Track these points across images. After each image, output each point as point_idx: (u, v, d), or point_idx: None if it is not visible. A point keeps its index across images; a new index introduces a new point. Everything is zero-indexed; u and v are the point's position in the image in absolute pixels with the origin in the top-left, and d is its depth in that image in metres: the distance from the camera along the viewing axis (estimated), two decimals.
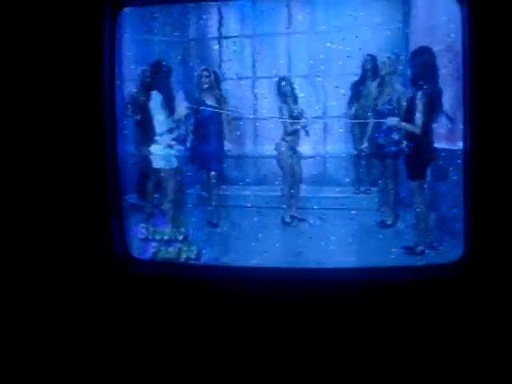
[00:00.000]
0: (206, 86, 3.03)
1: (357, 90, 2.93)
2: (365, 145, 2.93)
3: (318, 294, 2.75)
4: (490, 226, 2.57)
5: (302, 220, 2.94)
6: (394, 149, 2.90)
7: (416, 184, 2.85)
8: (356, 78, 2.91)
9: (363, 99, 2.94)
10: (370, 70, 2.89)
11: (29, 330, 2.95)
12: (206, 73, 3.03)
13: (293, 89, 2.97)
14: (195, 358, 2.86)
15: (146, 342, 2.90)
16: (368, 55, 2.85)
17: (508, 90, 2.54)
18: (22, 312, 2.95)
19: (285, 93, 2.98)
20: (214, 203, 3.09)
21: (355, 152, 2.95)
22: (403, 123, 2.87)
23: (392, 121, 2.88)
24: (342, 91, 2.92)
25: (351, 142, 2.94)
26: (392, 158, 2.92)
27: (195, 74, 3.04)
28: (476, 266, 2.61)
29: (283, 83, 2.98)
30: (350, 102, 2.94)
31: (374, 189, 2.98)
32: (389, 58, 2.86)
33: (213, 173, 3.14)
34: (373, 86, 2.95)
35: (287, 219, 2.96)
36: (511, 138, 2.54)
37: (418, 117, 2.82)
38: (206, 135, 3.09)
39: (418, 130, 2.83)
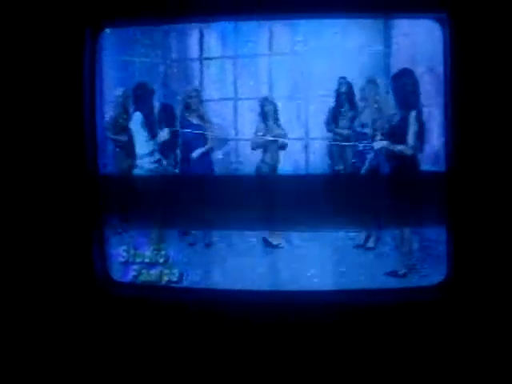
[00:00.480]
0: (194, 106, 3.02)
1: (333, 114, 2.92)
2: (340, 167, 2.92)
3: (300, 316, 2.75)
4: (472, 248, 2.59)
5: (281, 245, 2.92)
6: (373, 171, 2.89)
7: (398, 206, 2.85)
8: (332, 101, 2.89)
9: (340, 122, 2.93)
10: (345, 93, 2.88)
11: (8, 352, 2.93)
12: (194, 93, 3.02)
13: (274, 110, 2.95)
14: (177, 381, 2.85)
15: (127, 364, 2.88)
16: (341, 78, 2.84)
17: (490, 111, 2.56)
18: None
19: (266, 113, 2.97)
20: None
21: (334, 173, 2.93)
22: (392, 146, 2.86)
23: (379, 144, 2.87)
24: (321, 114, 2.92)
25: (329, 164, 2.93)
26: (371, 180, 2.91)
27: (181, 94, 3.01)
28: (459, 288, 2.62)
29: (265, 104, 2.96)
30: (328, 125, 2.93)
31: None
32: (368, 81, 2.86)
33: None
34: (349, 109, 2.94)
35: (270, 241, 2.95)
36: (492, 160, 2.56)
37: (411, 137, 2.81)
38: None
39: (409, 152, 2.82)
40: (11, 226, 2.90)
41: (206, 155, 3.05)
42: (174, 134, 3.02)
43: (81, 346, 2.91)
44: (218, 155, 3.03)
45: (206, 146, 3.04)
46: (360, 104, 2.91)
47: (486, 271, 2.58)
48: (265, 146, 2.98)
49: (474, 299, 2.60)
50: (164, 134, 3.00)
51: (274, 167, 2.96)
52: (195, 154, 3.04)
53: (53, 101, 2.83)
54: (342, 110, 2.91)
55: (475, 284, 2.59)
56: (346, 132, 2.92)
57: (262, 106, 2.97)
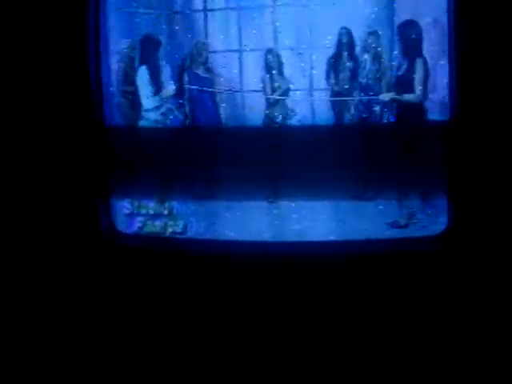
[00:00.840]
0: (200, 59, 3.00)
1: (333, 64, 2.89)
2: (346, 118, 2.89)
3: (303, 267, 2.75)
4: (472, 198, 2.57)
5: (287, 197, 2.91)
6: (378, 123, 2.86)
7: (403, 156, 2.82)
8: (333, 51, 2.86)
9: (341, 73, 2.90)
10: (346, 43, 2.84)
11: (14, 307, 2.98)
12: (201, 45, 3.00)
13: (279, 61, 2.93)
14: (181, 332, 2.87)
15: (132, 314, 2.92)
16: (343, 28, 2.80)
17: (494, 60, 2.52)
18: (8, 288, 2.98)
19: (271, 65, 2.95)
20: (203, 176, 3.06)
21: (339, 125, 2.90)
22: (399, 96, 2.82)
23: (387, 95, 2.84)
24: (324, 64, 2.89)
25: (333, 117, 2.90)
26: (374, 132, 2.88)
27: (187, 47, 2.99)
28: (459, 239, 2.60)
29: (269, 56, 2.94)
30: (328, 77, 2.90)
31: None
32: (372, 31, 2.82)
33: None
34: (350, 59, 2.90)
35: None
36: (495, 109, 2.52)
37: (417, 86, 2.77)
38: (200, 108, 3.06)
39: (416, 100, 2.78)
40: (16, 177, 2.93)
41: (214, 108, 3.04)
42: (181, 88, 3.01)
43: (86, 296, 2.95)
44: (225, 107, 3.01)
45: (213, 99, 3.03)
46: (364, 55, 2.87)
47: (487, 221, 2.56)
48: (270, 98, 2.96)
49: (473, 249, 2.57)
50: (171, 88, 2.99)
51: (280, 119, 2.94)
52: (202, 106, 3.03)
53: (57, 51, 2.83)
54: (344, 61, 2.88)
55: (475, 234, 2.56)
56: (348, 84, 2.88)
57: (267, 58, 2.95)
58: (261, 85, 2.97)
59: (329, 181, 2.82)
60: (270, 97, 2.95)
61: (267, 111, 2.96)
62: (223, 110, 3.01)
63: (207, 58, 2.98)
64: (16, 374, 2.79)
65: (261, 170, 2.91)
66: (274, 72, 2.94)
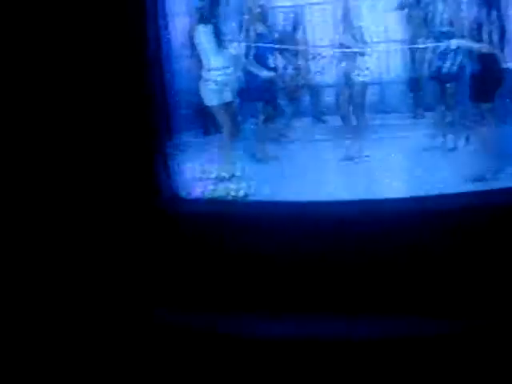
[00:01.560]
0: (259, 16, 2.90)
1: (410, 13, 2.76)
2: (421, 71, 2.76)
3: (380, 226, 2.56)
4: None
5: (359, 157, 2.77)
6: (454, 71, 2.71)
7: (482, 106, 2.65)
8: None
9: (417, 21, 2.76)
10: None
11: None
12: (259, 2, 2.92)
13: (347, 14, 2.81)
14: (248, 298, 2.71)
15: (192, 282, 2.77)
16: None
17: None
18: (65, 246, 2.86)
19: (343, 18, 2.83)
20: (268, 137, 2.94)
21: (414, 77, 2.77)
22: (470, 43, 2.67)
23: (457, 43, 2.69)
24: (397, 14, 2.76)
25: (409, 68, 2.77)
26: (452, 81, 2.73)
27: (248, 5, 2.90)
28: None
29: (339, 9, 2.83)
30: (405, 25, 2.77)
31: (430, 114, 2.77)
32: None
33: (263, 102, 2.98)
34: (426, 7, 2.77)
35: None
36: None
37: (488, 34, 2.62)
38: (264, 64, 2.95)
39: (487, 49, 2.63)
40: (75, 139, 2.84)
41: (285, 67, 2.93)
42: (246, 46, 2.91)
43: (145, 262, 2.81)
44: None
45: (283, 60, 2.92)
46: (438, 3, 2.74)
47: None
48: (343, 53, 2.84)
49: None
50: (234, 47, 2.89)
51: (353, 74, 2.81)
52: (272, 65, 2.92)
53: (115, 18, 2.75)
54: (417, 10, 2.75)
55: None
56: (422, 32, 2.75)
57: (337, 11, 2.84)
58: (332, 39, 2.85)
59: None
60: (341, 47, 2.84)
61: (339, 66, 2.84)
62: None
63: (266, 14, 2.88)
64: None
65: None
66: (344, 25, 2.82)
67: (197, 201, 2.87)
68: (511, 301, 2.37)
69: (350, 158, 2.74)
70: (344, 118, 2.78)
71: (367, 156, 2.70)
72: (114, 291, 2.78)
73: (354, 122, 2.77)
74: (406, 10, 2.75)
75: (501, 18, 2.62)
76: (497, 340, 2.26)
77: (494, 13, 2.63)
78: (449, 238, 2.51)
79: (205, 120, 2.93)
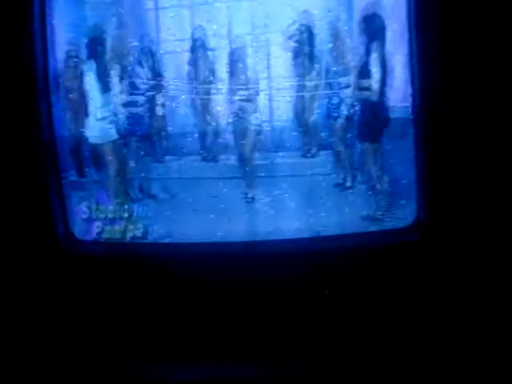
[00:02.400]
0: (144, 58, 2.89)
1: (296, 61, 2.84)
2: (312, 118, 2.86)
3: (277, 266, 2.67)
4: (444, 186, 2.56)
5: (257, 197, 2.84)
6: (343, 111, 2.83)
7: (369, 146, 2.80)
8: (295, 46, 2.81)
9: (303, 69, 2.85)
10: (305, 39, 2.80)
11: None
12: (148, 44, 2.89)
13: (238, 59, 2.85)
14: (145, 341, 2.76)
15: (93, 324, 2.78)
16: (301, 25, 2.77)
17: (454, 46, 2.51)
18: None
19: (232, 62, 2.87)
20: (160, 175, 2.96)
21: (304, 116, 2.87)
22: (358, 91, 2.79)
23: (347, 93, 2.81)
24: (283, 60, 2.83)
25: (298, 112, 2.86)
26: (341, 121, 2.85)
27: (135, 45, 2.87)
28: (432, 229, 2.60)
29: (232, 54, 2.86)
30: (292, 72, 2.85)
31: (323, 152, 2.88)
32: (331, 25, 2.78)
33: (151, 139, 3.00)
34: (311, 55, 2.86)
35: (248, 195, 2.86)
36: (461, 94, 2.52)
37: (375, 75, 2.75)
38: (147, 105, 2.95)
39: (375, 90, 2.76)
40: None
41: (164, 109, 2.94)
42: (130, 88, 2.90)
43: (45, 308, 2.80)
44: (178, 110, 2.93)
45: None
46: (323, 49, 2.83)
47: (459, 210, 2.56)
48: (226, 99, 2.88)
49: (448, 239, 2.57)
50: (117, 89, 2.87)
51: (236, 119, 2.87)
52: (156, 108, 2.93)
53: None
54: (303, 57, 2.83)
55: (451, 224, 2.56)
56: (309, 81, 2.84)
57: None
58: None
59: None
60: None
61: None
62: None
63: (155, 54, 2.88)
64: None
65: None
66: (235, 69, 2.85)
67: (93, 242, 2.86)
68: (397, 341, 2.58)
69: (242, 197, 2.81)
70: (238, 158, 2.85)
71: (259, 196, 2.78)
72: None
73: (246, 162, 2.83)
74: (293, 51, 2.80)
75: (388, 60, 2.75)
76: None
77: (381, 55, 2.75)
78: (337, 278, 2.68)
79: (95, 159, 2.91)
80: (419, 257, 2.60)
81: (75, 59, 2.83)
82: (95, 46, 2.83)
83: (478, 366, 2.40)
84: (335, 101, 2.81)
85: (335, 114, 2.81)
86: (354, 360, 2.55)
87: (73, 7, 2.79)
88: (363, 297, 2.65)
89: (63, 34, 2.81)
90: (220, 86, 2.86)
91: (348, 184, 2.79)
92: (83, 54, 2.82)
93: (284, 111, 2.82)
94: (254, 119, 2.84)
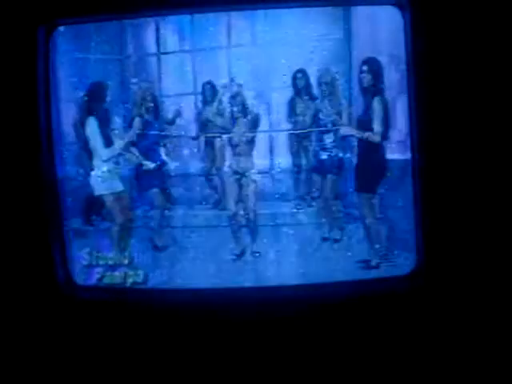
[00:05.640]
0: (150, 105, 2.94)
1: (292, 106, 2.87)
2: (304, 161, 2.87)
3: (274, 313, 2.67)
4: (441, 235, 2.54)
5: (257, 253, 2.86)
6: (335, 164, 2.84)
7: (365, 196, 2.80)
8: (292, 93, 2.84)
9: (300, 115, 2.87)
10: (304, 86, 2.82)
11: None
12: (149, 93, 2.94)
13: (237, 106, 2.88)
14: None
15: (93, 369, 2.80)
16: (299, 72, 2.79)
17: (453, 97, 2.51)
18: None
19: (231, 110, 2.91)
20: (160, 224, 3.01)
21: (295, 168, 2.88)
22: (359, 132, 2.79)
23: (346, 130, 2.82)
24: (282, 106, 2.86)
25: (292, 158, 2.88)
26: (334, 173, 2.86)
27: (137, 94, 2.92)
28: (430, 277, 2.57)
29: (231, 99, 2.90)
30: (289, 117, 2.88)
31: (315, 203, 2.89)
32: (329, 71, 2.80)
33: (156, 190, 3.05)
34: (309, 101, 2.88)
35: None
36: (458, 145, 2.51)
37: (377, 124, 2.75)
38: (151, 155, 3.00)
39: (376, 138, 2.76)
40: None
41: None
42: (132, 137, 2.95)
43: (45, 352, 2.82)
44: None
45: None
46: (321, 95, 2.85)
47: (457, 257, 2.53)
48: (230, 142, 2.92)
49: (447, 286, 2.54)
50: (118, 145, 2.93)
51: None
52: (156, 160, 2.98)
53: (6, 105, 2.73)
54: (302, 102, 2.85)
55: (449, 270, 2.54)
56: (307, 124, 2.86)
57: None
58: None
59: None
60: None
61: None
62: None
63: (156, 103, 2.92)
64: None
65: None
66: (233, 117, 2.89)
67: (93, 287, 2.89)
68: None
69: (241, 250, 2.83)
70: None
71: (257, 252, 2.81)
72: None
73: (244, 212, 2.86)
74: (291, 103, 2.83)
75: (386, 109, 2.75)
76: None
77: (380, 104, 2.75)
78: (336, 326, 2.66)
79: (98, 208, 2.95)
80: (419, 303, 2.59)
81: (78, 115, 2.91)
82: (97, 103, 2.90)
83: None
84: (332, 151, 2.82)
85: (330, 163, 2.83)
86: None
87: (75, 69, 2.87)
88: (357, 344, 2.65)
89: (66, 91, 2.88)
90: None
91: (339, 235, 2.80)
92: (85, 109, 2.89)
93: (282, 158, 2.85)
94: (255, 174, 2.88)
